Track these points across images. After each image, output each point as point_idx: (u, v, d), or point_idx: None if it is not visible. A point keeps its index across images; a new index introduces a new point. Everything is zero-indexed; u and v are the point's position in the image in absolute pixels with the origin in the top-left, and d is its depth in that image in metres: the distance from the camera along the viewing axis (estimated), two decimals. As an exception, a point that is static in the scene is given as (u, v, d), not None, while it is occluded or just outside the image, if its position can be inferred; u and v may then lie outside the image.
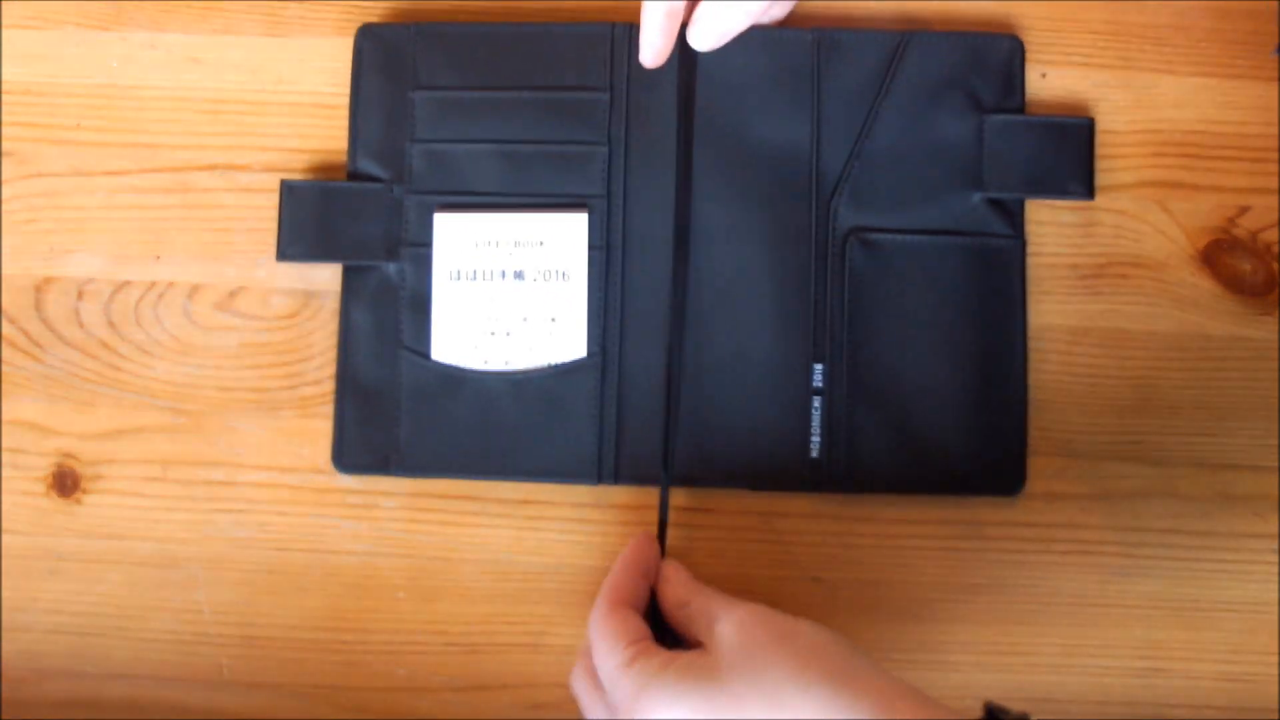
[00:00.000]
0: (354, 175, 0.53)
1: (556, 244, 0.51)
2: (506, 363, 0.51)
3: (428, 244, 0.52)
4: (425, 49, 0.53)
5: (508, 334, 0.51)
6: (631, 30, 0.53)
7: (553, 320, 0.51)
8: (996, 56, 0.52)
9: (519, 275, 0.51)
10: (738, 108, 0.52)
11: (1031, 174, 0.51)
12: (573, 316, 0.51)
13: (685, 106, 0.52)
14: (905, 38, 0.52)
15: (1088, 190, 0.51)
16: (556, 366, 0.51)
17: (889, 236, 0.51)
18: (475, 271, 0.51)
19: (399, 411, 0.51)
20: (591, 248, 0.52)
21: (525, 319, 0.51)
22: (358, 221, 0.52)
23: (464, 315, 0.51)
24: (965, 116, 0.52)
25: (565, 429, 0.51)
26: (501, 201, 0.52)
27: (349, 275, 0.53)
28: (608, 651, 0.43)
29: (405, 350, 0.52)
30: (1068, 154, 0.51)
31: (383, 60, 0.54)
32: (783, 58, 0.53)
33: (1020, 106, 0.52)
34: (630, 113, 0.53)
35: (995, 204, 0.52)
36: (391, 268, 0.52)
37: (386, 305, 0.52)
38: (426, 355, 0.52)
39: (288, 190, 0.53)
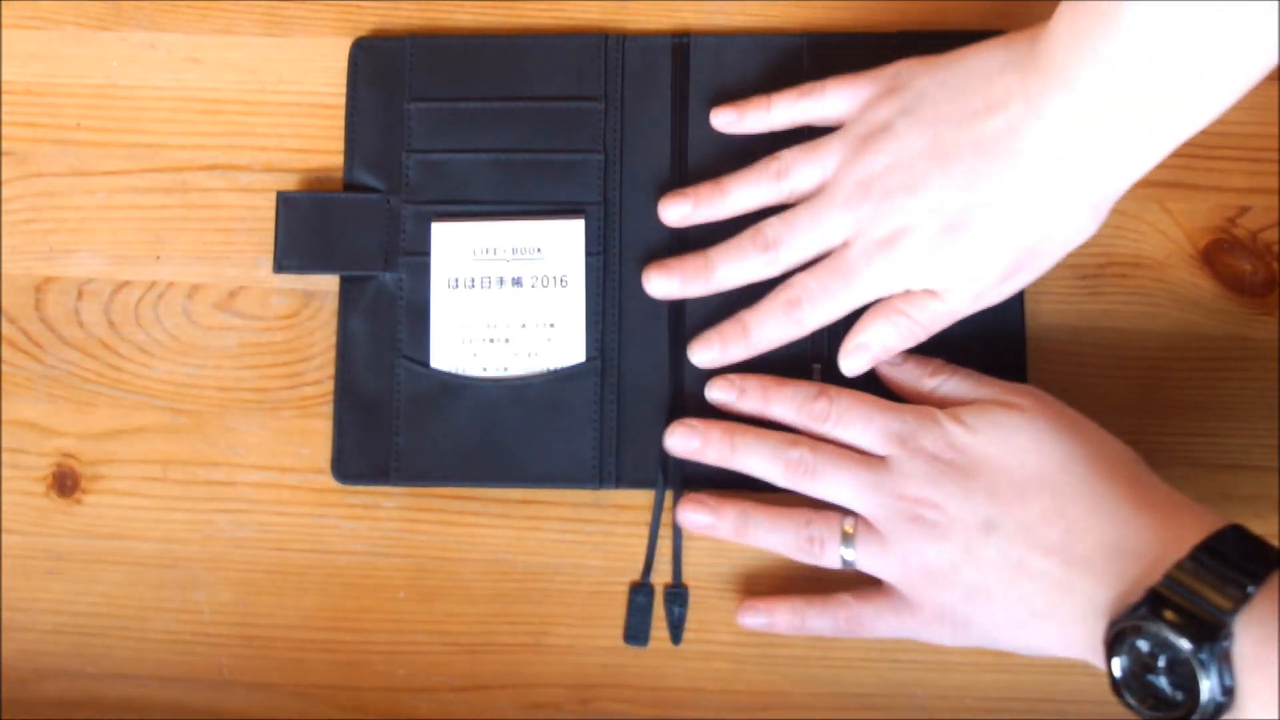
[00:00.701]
0: (350, 186, 0.53)
1: (554, 250, 0.51)
2: (506, 369, 0.51)
3: (425, 253, 0.52)
4: (420, 61, 0.53)
5: (506, 340, 0.51)
6: (624, 41, 0.53)
7: (551, 326, 0.51)
8: None
9: (517, 282, 0.51)
10: None
11: None
12: (571, 322, 0.51)
13: (679, 113, 0.52)
14: (897, 39, 0.52)
15: None
16: (556, 372, 0.51)
17: None
18: (473, 279, 0.51)
19: (398, 420, 0.51)
20: (589, 254, 0.52)
21: (524, 325, 0.51)
22: (354, 232, 0.52)
23: (463, 323, 0.51)
24: (961, 115, 0.52)
25: (565, 434, 0.51)
26: (498, 210, 0.52)
27: (346, 285, 0.53)
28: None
29: (403, 359, 0.52)
30: None
31: (378, 72, 0.54)
32: (775, 62, 0.53)
33: None
34: (625, 121, 0.53)
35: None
36: (389, 277, 0.52)
37: (384, 315, 0.52)
38: (425, 364, 0.52)
39: (284, 202, 0.53)
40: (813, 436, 0.49)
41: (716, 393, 0.50)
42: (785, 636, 0.50)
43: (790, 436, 0.49)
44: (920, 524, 0.46)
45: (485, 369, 0.51)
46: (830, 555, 0.48)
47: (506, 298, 0.51)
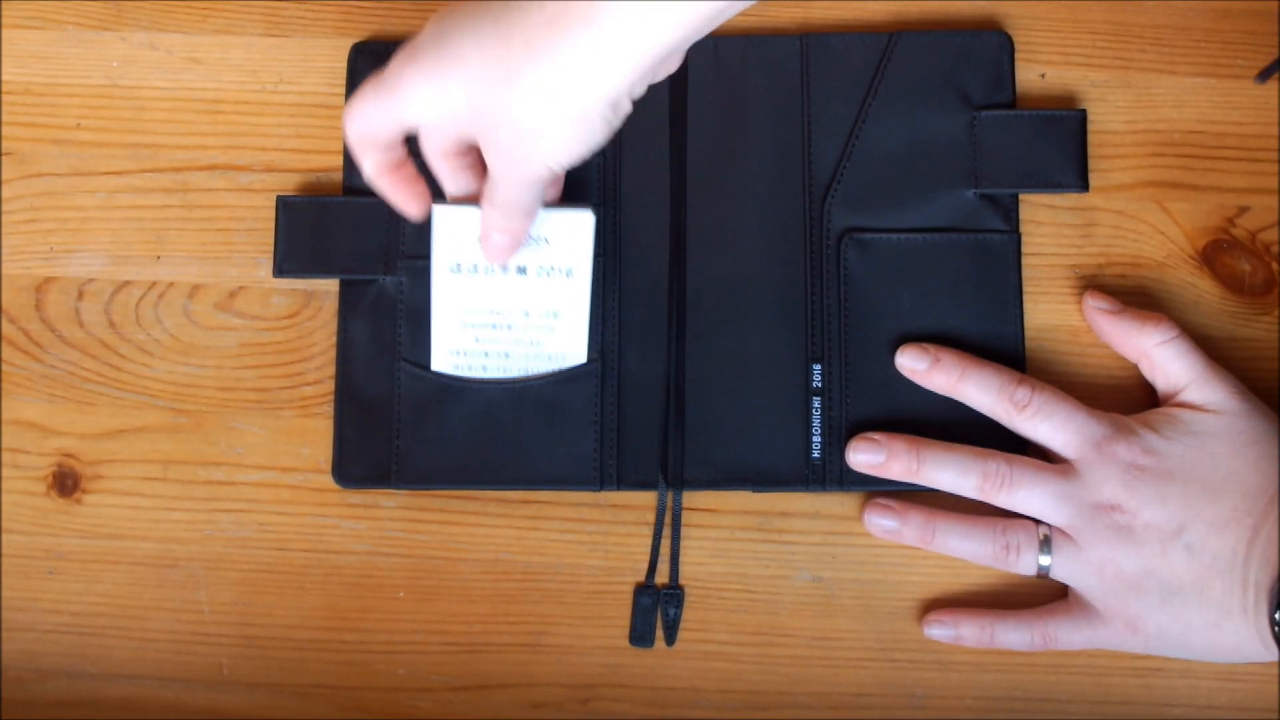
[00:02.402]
0: (350, 190, 0.53)
1: (561, 241, 0.51)
2: (507, 355, 0.51)
3: (425, 256, 0.52)
4: None
5: (509, 327, 0.51)
6: None
7: (555, 316, 0.51)
8: (985, 53, 0.53)
9: (521, 270, 0.51)
10: (729, 113, 0.53)
11: (1025, 168, 0.51)
12: (575, 313, 0.51)
13: (677, 114, 0.52)
14: (893, 38, 0.53)
15: (1081, 182, 0.51)
16: (557, 374, 0.51)
17: (883, 236, 0.51)
18: (476, 265, 0.51)
19: (398, 424, 0.51)
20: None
21: (527, 314, 0.51)
22: (355, 236, 0.52)
23: (466, 308, 0.51)
24: (956, 114, 0.52)
25: (565, 436, 0.51)
26: None
27: (346, 289, 0.53)
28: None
29: (404, 362, 0.52)
30: (1061, 146, 0.52)
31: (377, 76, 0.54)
32: (771, 62, 0.53)
33: (1011, 102, 0.52)
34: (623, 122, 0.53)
35: (989, 199, 0.52)
36: (389, 281, 0.52)
37: (385, 318, 0.52)
38: (425, 367, 0.51)
39: (284, 206, 0.53)
40: (995, 427, 0.49)
41: (907, 359, 0.50)
42: (957, 643, 0.50)
43: (981, 450, 0.48)
44: (1114, 530, 0.46)
45: (487, 354, 0.51)
46: (1027, 562, 0.48)
47: (510, 285, 0.51)
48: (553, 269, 0.51)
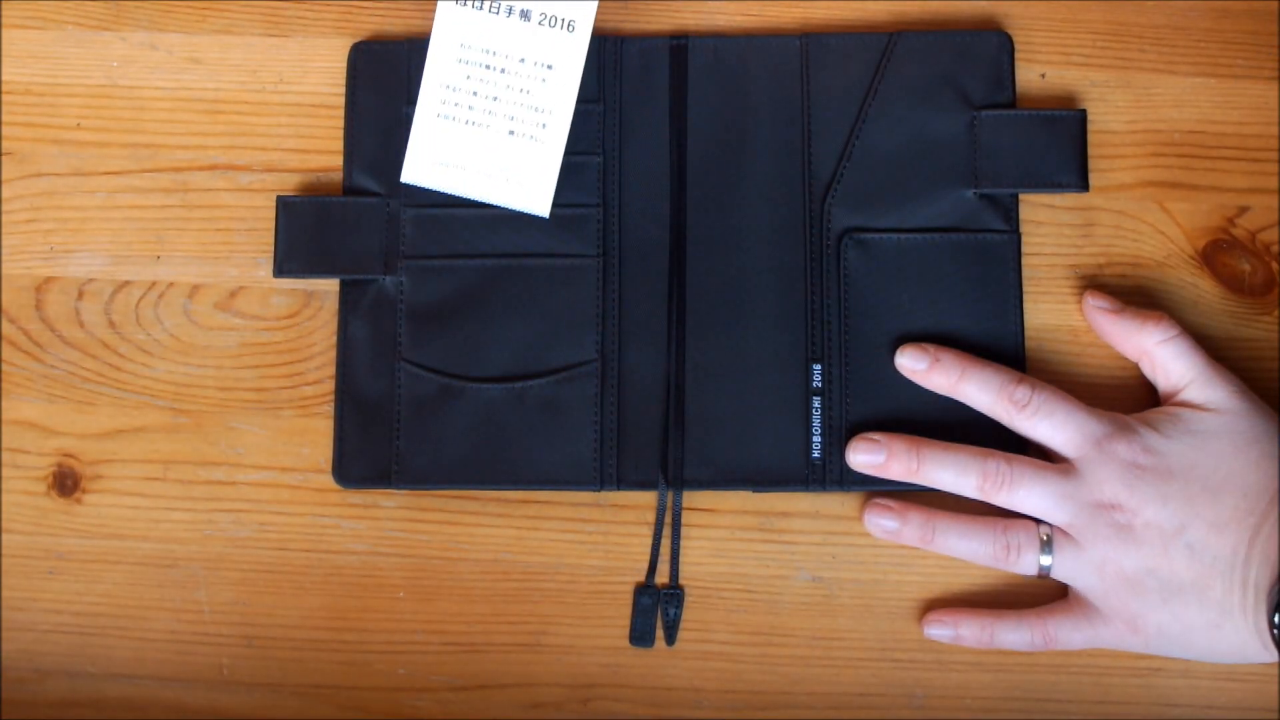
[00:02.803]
0: (350, 190, 0.53)
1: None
2: (495, 99, 0.50)
3: (425, 257, 0.52)
4: (419, 64, 0.53)
5: (502, 71, 0.50)
6: (621, 43, 0.53)
7: (549, 68, 0.50)
8: (984, 53, 0.53)
9: (525, 16, 0.50)
10: (729, 113, 0.53)
11: (1025, 167, 0.51)
12: (569, 68, 0.50)
13: (677, 114, 0.53)
14: (893, 39, 0.53)
15: (1081, 182, 0.51)
16: (558, 375, 0.51)
17: (883, 236, 0.51)
18: (482, 2, 0.50)
19: (398, 424, 0.51)
20: (588, 255, 0.52)
21: (523, 60, 0.50)
22: (354, 236, 0.52)
23: (464, 42, 0.50)
24: (956, 114, 0.52)
25: (565, 436, 0.51)
26: (496, 213, 0.52)
27: (346, 289, 0.53)
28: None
29: (404, 362, 0.52)
30: (1061, 146, 0.52)
31: (377, 76, 0.54)
32: (772, 63, 0.53)
33: (1011, 101, 0.52)
34: (623, 123, 0.53)
35: (989, 199, 0.52)
36: (389, 281, 0.52)
37: (384, 318, 0.52)
38: (426, 367, 0.51)
39: (283, 206, 0.53)
40: (995, 427, 0.49)
41: (906, 360, 0.50)
42: (958, 642, 0.50)
43: (981, 450, 0.48)
44: (1115, 529, 0.46)
45: (475, 93, 0.51)
46: (1028, 562, 0.48)
47: (512, 28, 0.50)
48: (556, 19, 0.50)
